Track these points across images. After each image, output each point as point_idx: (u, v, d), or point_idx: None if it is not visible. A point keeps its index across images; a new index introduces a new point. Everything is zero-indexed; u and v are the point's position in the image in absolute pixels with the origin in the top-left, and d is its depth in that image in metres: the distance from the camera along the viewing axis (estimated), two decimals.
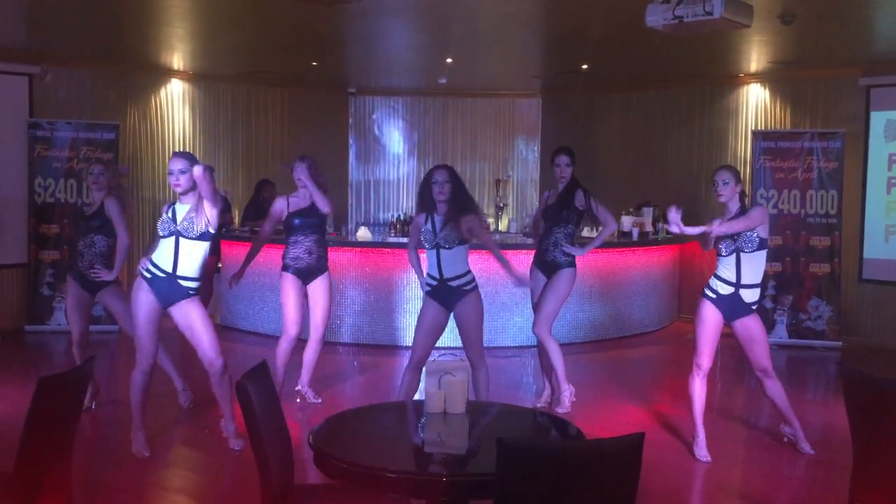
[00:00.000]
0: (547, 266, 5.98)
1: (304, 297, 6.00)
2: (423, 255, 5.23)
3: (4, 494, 3.14)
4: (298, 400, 6.11)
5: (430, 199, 5.05)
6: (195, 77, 10.39)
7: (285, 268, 5.96)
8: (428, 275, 5.16)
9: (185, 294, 4.82)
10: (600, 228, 6.12)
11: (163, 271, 4.78)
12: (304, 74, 10.62)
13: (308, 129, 11.54)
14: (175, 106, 10.30)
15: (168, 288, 4.80)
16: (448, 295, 5.10)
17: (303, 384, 6.18)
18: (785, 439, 5.40)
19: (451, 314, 5.20)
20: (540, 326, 5.96)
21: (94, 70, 9.55)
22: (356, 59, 9.78)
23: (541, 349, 6.12)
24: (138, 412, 5.02)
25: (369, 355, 7.79)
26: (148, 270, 4.80)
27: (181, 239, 4.75)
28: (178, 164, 4.73)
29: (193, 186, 4.74)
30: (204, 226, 4.75)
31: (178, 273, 4.78)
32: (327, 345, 6.18)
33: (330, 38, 8.30)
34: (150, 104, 10.08)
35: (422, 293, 5.29)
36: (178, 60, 9.64)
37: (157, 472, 4.85)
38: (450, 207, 5.04)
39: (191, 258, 4.79)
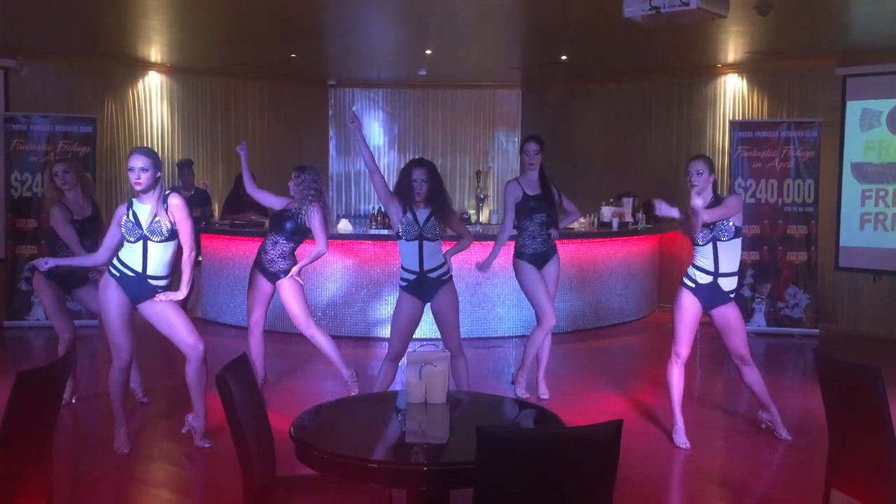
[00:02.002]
0: (539, 257, 5.98)
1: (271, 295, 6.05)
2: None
3: None
4: (353, 393, 5.97)
5: (409, 194, 5.03)
6: (173, 70, 10.31)
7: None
8: (405, 269, 5.11)
9: (154, 291, 4.80)
10: (561, 217, 6.23)
11: (132, 271, 4.74)
12: (283, 67, 10.57)
13: (288, 121, 11.50)
14: (153, 99, 10.22)
15: (138, 287, 4.77)
16: (426, 287, 5.09)
17: (345, 378, 6.06)
18: (763, 426, 5.46)
19: (427, 306, 5.20)
20: (554, 316, 6.01)
21: (71, 63, 9.47)
22: (336, 50, 9.75)
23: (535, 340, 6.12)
24: (119, 408, 5.00)
25: (350, 347, 7.79)
26: (116, 269, 4.75)
27: (149, 242, 4.71)
28: (139, 162, 4.62)
29: (154, 185, 4.69)
30: (169, 226, 4.71)
31: (149, 273, 4.76)
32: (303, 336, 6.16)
33: (309, 29, 8.27)
34: (128, 97, 10.00)
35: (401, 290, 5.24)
36: (155, 53, 9.56)
37: (138, 467, 4.84)
38: (434, 207, 5.02)
39: (160, 258, 4.76)
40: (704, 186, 4.96)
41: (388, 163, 12.08)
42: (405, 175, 5.04)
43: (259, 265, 5.96)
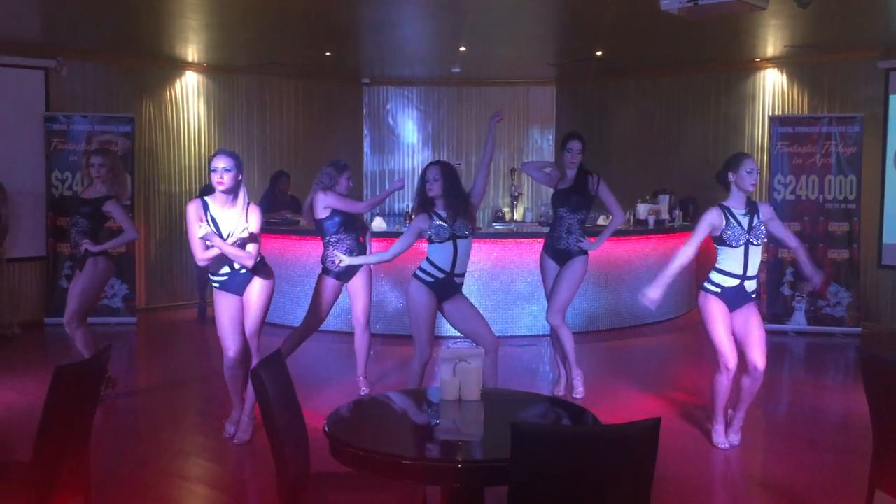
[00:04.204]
0: (559, 254, 5.95)
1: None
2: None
3: (23, 484, 3.16)
4: (363, 391, 6.12)
5: (425, 194, 4.96)
6: (209, 69, 10.41)
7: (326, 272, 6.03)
8: (434, 265, 5.01)
9: (249, 278, 4.90)
10: (609, 217, 6.15)
11: (223, 275, 4.86)
12: (317, 65, 10.62)
13: (322, 119, 11.56)
14: (190, 98, 10.33)
15: (237, 280, 4.87)
16: (447, 288, 5.04)
17: (359, 373, 6.28)
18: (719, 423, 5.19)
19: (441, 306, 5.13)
20: (554, 315, 5.94)
21: (110, 63, 9.60)
22: (370, 48, 9.76)
23: (554, 337, 6.12)
24: (234, 397, 5.16)
25: (384, 345, 7.80)
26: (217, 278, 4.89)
27: None
28: (222, 162, 4.65)
29: (236, 187, 4.71)
30: (247, 235, 4.72)
31: (237, 267, 4.84)
32: (342, 335, 6.20)
33: (343, 27, 8.28)
34: (165, 97, 10.12)
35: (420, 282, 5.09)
36: (192, 52, 9.66)
37: (173, 462, 4.88)
38: (450, 202, 4.92)
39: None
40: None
41: (423, 161, 12.05)
42: (420, 178, 5.02)
43: (332, 273, 5.99)
